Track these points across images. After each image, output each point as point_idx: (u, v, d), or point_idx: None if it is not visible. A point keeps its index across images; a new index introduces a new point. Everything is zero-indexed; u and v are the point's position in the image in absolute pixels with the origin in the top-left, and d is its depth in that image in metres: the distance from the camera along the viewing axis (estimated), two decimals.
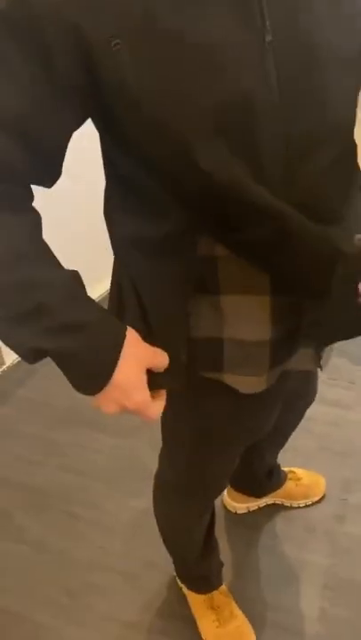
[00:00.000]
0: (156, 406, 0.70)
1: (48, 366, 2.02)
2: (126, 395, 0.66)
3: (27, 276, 0.62)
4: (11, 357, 2.23)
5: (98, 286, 2.50)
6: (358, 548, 1.57)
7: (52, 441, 1.92)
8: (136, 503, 1.67)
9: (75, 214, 2.18)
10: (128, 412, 0.69)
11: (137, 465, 1.78)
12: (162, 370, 0.71)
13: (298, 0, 0.61)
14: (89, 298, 0.67)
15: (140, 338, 0.69)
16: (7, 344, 0.65)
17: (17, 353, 0.65)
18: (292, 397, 1.10)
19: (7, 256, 0.61)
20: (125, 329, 0.67)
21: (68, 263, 0.68)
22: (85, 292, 0.66)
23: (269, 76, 0.61)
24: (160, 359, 0.71)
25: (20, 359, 2.41)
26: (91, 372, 0.66)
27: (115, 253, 0.84)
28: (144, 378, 0.68)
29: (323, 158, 0.67)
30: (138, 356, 0.67)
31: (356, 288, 0.73)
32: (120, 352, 0.65)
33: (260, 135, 0.63)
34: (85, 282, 0.68)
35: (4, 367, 2.22)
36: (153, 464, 1.19)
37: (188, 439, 1.01)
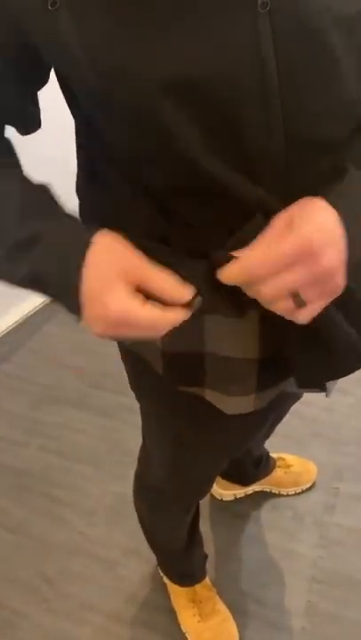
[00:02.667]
0: (155, 316, 0.52)
1: (34, 341, 1.92)
2: (103, 305, 0.51)
3: None
4: None
5: None
6: (348, 539, 1.52)
7: (34, 420, 1.86)
8: (119, 488, 1.61)
9: None
10: (119, 330, 0.53)
11: (121, 448, 1.72)
12: (162, 293, 0.53)
13: None
14: (51, 206, 0.57)
15: (121, 244, 0.54)
16: None
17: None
18: (284, 398, 1.02)
19: None
20: (90, 233, 0.54)
21: None
22: (50, 202, 0.57)
23: (263, 50, 0.50)
24: (155, 277, 0.53)
25: (5, 332, 2.31)
26: (60, 288, 0.55)
27: None
28: (122, 286, 0.52)
29: (326, 159, 0.57)
30: (112, 262, 0.52)
31: None
32: (82, 258, 0.52)
33: (248, 129, 0.53)
34: None
35: None
36: (137, 447, 1.12)
37: (171, 448, 0.94)
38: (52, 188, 0.59)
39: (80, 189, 0.70)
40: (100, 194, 0.66)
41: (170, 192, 0.58)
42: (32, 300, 2.24)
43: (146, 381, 0.83)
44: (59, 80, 0.59)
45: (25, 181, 0.59)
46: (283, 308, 0.52)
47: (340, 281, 0.52)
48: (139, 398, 0.91)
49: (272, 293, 0.51)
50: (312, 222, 0.50)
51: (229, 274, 0.54)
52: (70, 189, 0.70)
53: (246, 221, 0.55)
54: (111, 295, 0.51)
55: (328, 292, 0.53)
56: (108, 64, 0.49)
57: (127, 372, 0.89)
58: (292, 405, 1.15)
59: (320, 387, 0.76)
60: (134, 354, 0.80)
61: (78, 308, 0.53)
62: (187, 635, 1.32)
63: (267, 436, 1.37)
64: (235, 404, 0.74)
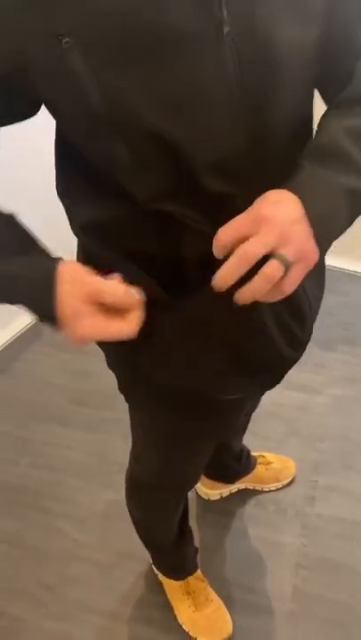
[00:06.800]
0: (116, 326, 0.63)
1: (18, 363, 2.02)
2: (74, 329, 0.63)
3: None
4: None
5: None
6: (329, 527, 1.61)
7: (22, 438, 1.92)
8: (109, 495, 1.68)
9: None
10: (93, 341, 0.67)
11: (108, 458, 1.79)
12: (119, 304, 0.64)
13: None
14: (19, 244, 0.67)
15: (80, 271, 0.64)
16: None
17: None
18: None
19: None
20: (54, 268, 0.64)
21: None
22: (15, 240, 0.67)
23: (228, 69, 0.61)
24: (108, 292, 0.63)
25: None
26: (43, 316, 0.66)
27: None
28: (85, 308, 0.63)
29: (282, 156, 0.67)
30: (74, 293, 0.63)
31: None
32: (53, 292, 0.63)
33: (219, 131, 0.63)
34: None
35: None
36: (124, 456, 1.20)
37: (158, 443, 1.04)
38: (17, 218, 0.68)
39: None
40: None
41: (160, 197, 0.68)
42: (14, 326, 2.32)
43: (135, 381, 0.92)
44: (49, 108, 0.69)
45: None
46: (271, 272, 0.58)
47: (304, 232, 0.60)
48: (128, 399, 0.99)
49: (255, 250, 0.58)
50: (263, 199, 0.61)
51: (217, 244, 0.62)
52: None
53: None
54: (77, 322, 0.62)
55: (302, 249, 0.60)
56: (112, 96, 0.59)
57: (117, 377, 0.96)
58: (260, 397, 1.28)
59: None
60: (124, 357, 0.89)
61: (59, 327, 0.65)
62: (183, 626, 1.39)
63: (243, 429, 1.47)
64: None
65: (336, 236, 0.65)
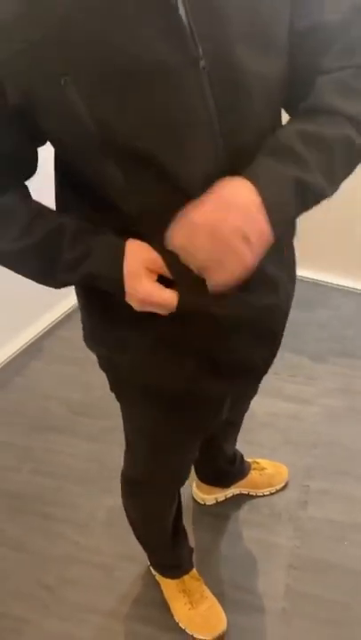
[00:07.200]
0: (167, 293, 0.77)
1: (19, 377, 2.12)
2: (134, 288, 0.77)
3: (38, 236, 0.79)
4: None
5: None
6: (321, 529, 1.67)
7: (25, 448, 1.98)
8: (109, 501, 1.74)
9: None
10: (148, 305, 0.79)
11: (108, 465, 1.85)
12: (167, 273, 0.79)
13: (226, 30, 0.70)
14: (85, 230, 0.80)
15: (140, 244, 0.78)
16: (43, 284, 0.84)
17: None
18: (239, 397, 1.21)
19: (17, 231, 0.79)
20: (122, 242, 0.78)
21: None
22: (81, 226, 0.80)
23: (205, 97, 0.70)
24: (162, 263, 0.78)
25: None
26: (110, 280, 0.79)
27: None
28: (147, 273, 0.77)
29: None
30: (138, 257, 0.77)
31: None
32: (122, 257, 0.77)
33: (202, 151, 0.73)
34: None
35: None
36: (122, 463, 1.27)
37: (145, 438, 1.12)
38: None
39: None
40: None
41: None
42: (16, 342, 2.40)
43: (120, 379, 1.04)
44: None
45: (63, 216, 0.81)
46: (235, 246, 0.68)
47: (259, 215, 0.69)
48: (117, 397, 1.08)
49: (227, 232, 0.68)
50: (221, 186, 0.71)
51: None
52: None
53: None
54: (139, 283, 0.77)
55: (258, 229, 0.69)
56: (101, 119, 0.69)
57: (108, 379, 1.06)
58: (248, 403, 1.36)
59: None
60: (113, 362, 1.00)
61: (121, 289, 0.79)
62: (180, 623, 1.44)
63: (235, 434, 1.55)
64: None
65: (288, 220, 0.76)
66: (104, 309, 0.90)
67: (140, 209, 0.77)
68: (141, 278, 0.77)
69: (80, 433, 2.01)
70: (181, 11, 0.67)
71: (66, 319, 2.57)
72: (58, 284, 0.83)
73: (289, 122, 0.78)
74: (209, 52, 0.69)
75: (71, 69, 0.66)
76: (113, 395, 1.08)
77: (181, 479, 1.26)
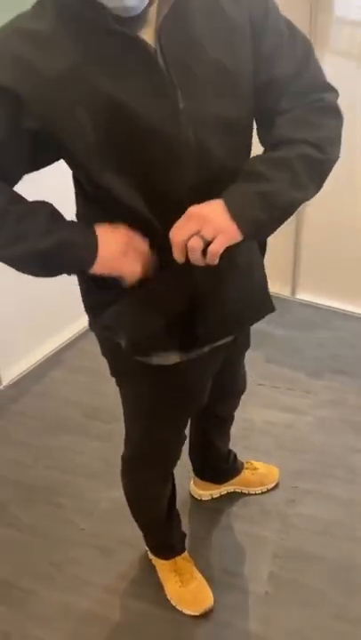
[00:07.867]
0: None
1: (40, 385, 2.42)
2: (113, 235, 0.97)
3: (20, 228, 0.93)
4: (7, 378, 2.50)
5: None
6: (306, 524, 1.81)
7: (40, 446, 2.17)
8: (114, 494, 1.90)
9: None
10: (131, 249, 0.98)
11: (113, 463, 1.99)
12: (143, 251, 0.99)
13: (200, 77, 0.90)
14: (58, 223, 0.97)
15: (111, 228, 0.97)
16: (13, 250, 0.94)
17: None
18: (224, 383, 1.40)
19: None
20: (92, 228, 0.97)
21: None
22: (55, 218, 0.96)
23: (188, 138, 0.91)
24: (137, 241, 0.99)
25: (15, 380, 2.64)
26: (84, 243, 0.96)
27: None
28: (128, 247, 0.97)
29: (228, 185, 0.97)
30: (116, 235, 0.97)
31: None
32: (95, 240, 0.96)
33: (178, 183, 0.94)
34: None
35: (1, 387, 2.49)
36: None
37: (139, 416, 1.31)
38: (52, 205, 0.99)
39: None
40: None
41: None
42: (36, 353, 2.61)
43: (121, 365, 1.23)
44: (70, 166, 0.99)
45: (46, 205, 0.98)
46: (191, 245, 0.90)
47: (221, 216, 0.89)
48: (118, 382, 1.28)
49: (183, 236, 0.90)
50: (195, 205, 0.92)
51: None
52: None
53: None
54: (126, 257, 0.98)
55: (219, 227, 0.89)
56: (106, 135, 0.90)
57: (109, 364, 1.27)
58: (235, 396, 1.59)
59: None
60: (112, 345, 1.17)
61: (94, 256, 0.96)
62: (171, 600, 1.59)
63: (226, 431, 1.72)
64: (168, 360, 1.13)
65: (256, 222, 0.92)
66: (95, 280, 1.05)
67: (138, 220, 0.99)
68: (118, 227, 0.97)
69: (90, 434, 2.20)
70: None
71: (85, 334, 2.79)
72: (28, 253, 0.93)
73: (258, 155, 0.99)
74: (189, 105, 0.90)
75: (83, 102, 0.88)
76: (120, 400, 1.30)
77: (171, 456, 1.43)
